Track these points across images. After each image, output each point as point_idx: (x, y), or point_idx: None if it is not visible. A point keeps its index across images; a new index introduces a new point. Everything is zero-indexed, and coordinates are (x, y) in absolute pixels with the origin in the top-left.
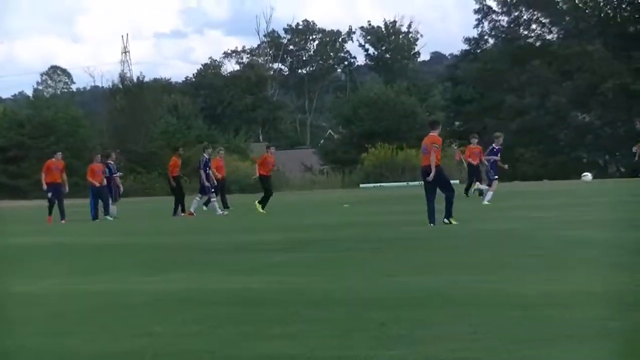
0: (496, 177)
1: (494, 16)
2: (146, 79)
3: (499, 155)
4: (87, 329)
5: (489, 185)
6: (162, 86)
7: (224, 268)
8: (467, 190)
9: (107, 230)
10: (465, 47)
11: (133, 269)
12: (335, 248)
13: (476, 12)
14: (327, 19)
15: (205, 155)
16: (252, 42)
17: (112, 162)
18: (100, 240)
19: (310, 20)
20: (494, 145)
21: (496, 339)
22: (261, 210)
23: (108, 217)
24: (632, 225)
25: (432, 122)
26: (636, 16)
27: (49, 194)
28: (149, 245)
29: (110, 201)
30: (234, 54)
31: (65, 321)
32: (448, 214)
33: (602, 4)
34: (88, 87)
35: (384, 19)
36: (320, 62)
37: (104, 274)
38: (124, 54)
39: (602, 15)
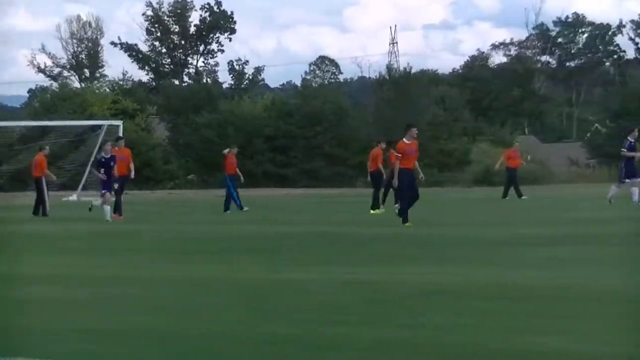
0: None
1: None
2: (413, 71)
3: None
4: (356, 318)
5: None
6: (429, 78)
7: (488, 261)
8: None
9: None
10: None
11: (395, 261)
12: (602, 243)
13: None
14: (597, 11)
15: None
16: (521, 35)
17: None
18: (360, 231)
19: (580, 13)
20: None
21: None
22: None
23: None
24: None
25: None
26: None
27: None
28: (396, 236)
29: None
30: (501, 47)
31: (337, 310)
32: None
33: None
34: (355, 78)
35: None
36: (589, 55)
37: (375, 266)
38: (391, 45)
39: None
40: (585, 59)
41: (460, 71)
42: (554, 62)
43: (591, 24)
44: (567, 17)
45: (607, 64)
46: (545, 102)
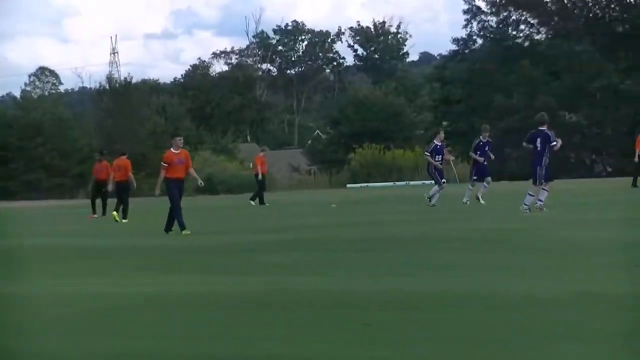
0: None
1: (482, 16)
2: (135, 80)
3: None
4: (81, 330)
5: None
6: (150, 87)
7: (212, 270)
8: None
9: (92, 231)
10: (454, 47)
11: (122, 271)
12: (323, 248)
13: (465, 12)
14: (316, 19)
15: None
16: (241, 43)
17: None
18: (92, 242)
19: (299, 21)
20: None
21: (478, 339)
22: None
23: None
24: (628, 225)
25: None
26: (624, 15)
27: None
28: (137, 247)
29: None
30: (222, 55)
31: (61, 323)
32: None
33: (590, 3)
34: (76, 88)
35: (373, 20)
36: (309, 62)
37: (96, 277)
38: (112, 55)
39: (590, 15)
40: (306, 66)
41: (182, 80)
42: (274, 69)
43: (311, 31)
44: (287, 25)
45: (327, 70)
46: (266, 109)
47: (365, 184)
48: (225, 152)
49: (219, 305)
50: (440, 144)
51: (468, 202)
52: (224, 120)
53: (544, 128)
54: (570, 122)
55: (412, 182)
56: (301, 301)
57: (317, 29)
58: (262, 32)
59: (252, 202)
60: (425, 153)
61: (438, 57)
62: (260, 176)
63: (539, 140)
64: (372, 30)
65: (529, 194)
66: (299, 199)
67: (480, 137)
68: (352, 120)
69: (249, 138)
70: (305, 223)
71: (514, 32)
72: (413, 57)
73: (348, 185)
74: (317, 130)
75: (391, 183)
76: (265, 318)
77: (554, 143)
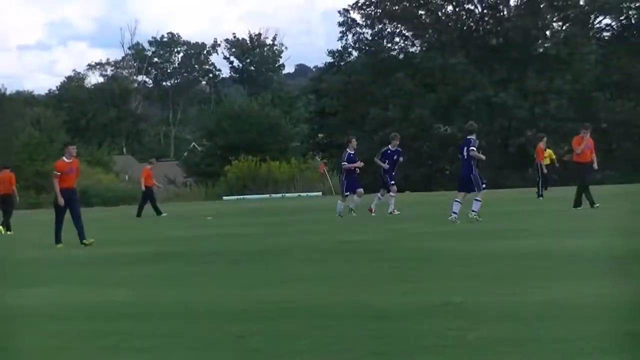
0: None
1: (358, 29)
2: (9, 92)
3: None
4: None
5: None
6: (24, 99)
7: (82, 281)
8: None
9: None
10: (329, 59)
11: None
12: (196, 261)
13: (340, 25)
14: (192, 31)
15: None
16: (117, 55)
17: None
18: None
19: (175, 33)
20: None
21: (355, 350)
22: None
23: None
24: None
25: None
26: (498, 29)
27: None
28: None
29: None
30: (98, 67)
31: None
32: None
33: (464, 17)
34: None
35: (249, 32)
36: (185, 74)
37: None
38: None
39: (464, 28)
40: (181, 78)
41: (57, 92)
42: (150, 81)
43: (186, 43)
44: (163, 36)
45: (203, 82)
46: (142, 121)
47: (242, 196)
48: (100, 165)
49: (91, 317)
50: (353, 152)
51: (395, 211)
52: (99, 132)
53: (472, 137)
54: (445, 135)
55: (288, 195)
56: (175, 313)
57: (192, 41)
58: (138, 43)
59: (162, 214)
60: (343, 163)
61: (314, 69)
62: (143, 188)
63: (465, 149)
64: (248, 42)
65: (476, 200)
66: (175, 211)
67: (389, 146)
68: (228, 132)
69: (124, 150)
70: (180, 235)
71: (389, 45)
72: (289, 69)
73: (224, 198)
74: (194, 143)
75: (267, 195)
76: (139, 330)
77: (472, 148)
